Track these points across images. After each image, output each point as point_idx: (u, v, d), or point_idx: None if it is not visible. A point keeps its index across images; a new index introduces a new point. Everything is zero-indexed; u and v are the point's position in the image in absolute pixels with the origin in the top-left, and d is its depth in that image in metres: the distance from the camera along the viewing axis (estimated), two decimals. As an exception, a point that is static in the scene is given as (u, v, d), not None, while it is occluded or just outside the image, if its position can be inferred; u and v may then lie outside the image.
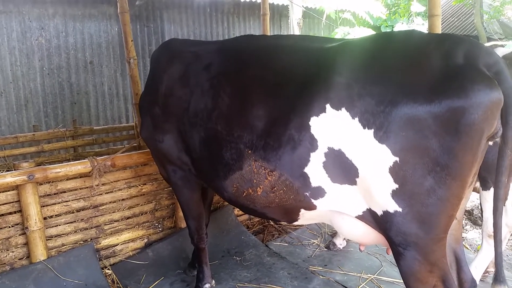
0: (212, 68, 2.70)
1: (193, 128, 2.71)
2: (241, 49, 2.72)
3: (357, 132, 1.92)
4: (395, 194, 1.91)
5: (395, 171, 1.86)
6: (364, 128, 1.89)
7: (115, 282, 3.58)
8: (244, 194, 2.48)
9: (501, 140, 1.87)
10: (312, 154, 2.12)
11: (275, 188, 2.31)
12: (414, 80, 1.82)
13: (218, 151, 2.53)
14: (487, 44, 3.42)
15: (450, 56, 1.81)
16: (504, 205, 3.07)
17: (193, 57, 2.86)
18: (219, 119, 2.53)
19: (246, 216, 4.81)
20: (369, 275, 3.63)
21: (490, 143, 1.99)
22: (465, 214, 5.08)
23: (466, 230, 4.81)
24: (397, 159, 1.84)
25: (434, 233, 1.93)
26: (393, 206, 1.93)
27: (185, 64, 2.87)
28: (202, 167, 2.83)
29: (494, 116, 1.78)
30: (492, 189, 3.00)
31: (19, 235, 3.32)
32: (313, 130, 2.09)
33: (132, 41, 4.82)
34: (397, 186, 1.89)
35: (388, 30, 14.37)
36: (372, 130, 1.87)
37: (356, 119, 1.92)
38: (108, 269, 3.70)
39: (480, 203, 3.19)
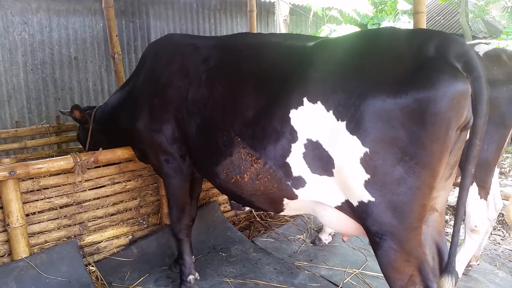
0: (210, 61, 2.86)
1: (191, 116, 2.85)
2: (236, 45, 2.88)
3: (332, 124, 2.02)
4: (367, 184, 1.98)
5: (366, 162, 1.94)
6: (337, 120, 1.99)
7: (99, 279, 3.53)
8: (233, 180, 2.62)
9: (470, 130, 1.92)
10: (293, 145, 2.23)
11: (260, 176, 2.43)
12: (383, 73, 1.89)
13: (212, 138, 2.68)
14: (472, 42, 3.47)
15: (420, 49, 1.88)
16: (486, 200, 3.12)
17: (193, 50, 3.01)
18: (214, 108, 2.69)
19: (232, 213, 4.81)
20: (354, 270, 3.66)
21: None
22: (449, 210, 5.15)
23: (450, 225, 4.86)
24: (367, 150, 1.92)
25: (408, 222, 1.99)
26: (366, 196, 2.01)
27: (186, 56, 3.01)
28: (197, 154, 2.97)
29: (462, 105, 1.83)
30: (474, 184, 3.06)
31: (0, 232, 3.26)
32: (293, 122, 2.20)
33: (116, 36, 4.79)
34: (369, 176, 1.96)
35: (375, 27, 14.47)
36: (345, 122, 1.96)
37: (331, 111, 2.02)
38: (92, 266, 3.65)
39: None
